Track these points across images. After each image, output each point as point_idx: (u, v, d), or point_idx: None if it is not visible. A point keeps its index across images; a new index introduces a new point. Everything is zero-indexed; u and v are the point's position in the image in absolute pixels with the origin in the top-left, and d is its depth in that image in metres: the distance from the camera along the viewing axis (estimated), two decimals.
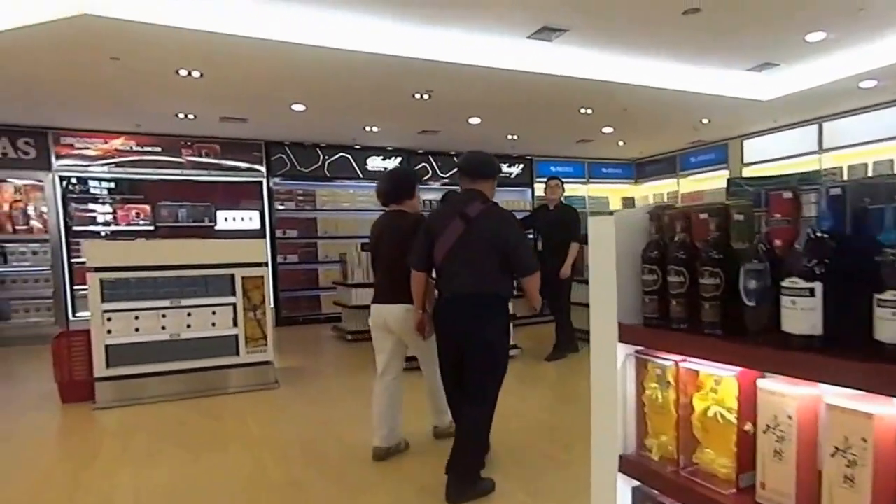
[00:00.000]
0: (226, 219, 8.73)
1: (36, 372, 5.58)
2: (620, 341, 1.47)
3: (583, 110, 7.54)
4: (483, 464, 2.97)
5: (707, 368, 1.29)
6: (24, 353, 6.84)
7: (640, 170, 11.88)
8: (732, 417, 1.22)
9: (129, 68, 5.31)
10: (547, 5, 4.73)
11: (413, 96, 6.61)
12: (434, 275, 3.04)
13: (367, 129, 8.30)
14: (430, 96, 6.61)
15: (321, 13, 4.74)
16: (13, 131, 7.49)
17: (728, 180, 9.14)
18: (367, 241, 8.35)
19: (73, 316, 7.75)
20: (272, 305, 6.79)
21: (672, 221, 1.40)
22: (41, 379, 5.03)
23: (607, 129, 8.87)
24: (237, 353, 4.87)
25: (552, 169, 10.78)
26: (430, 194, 10.04)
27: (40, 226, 7.78)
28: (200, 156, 8.51)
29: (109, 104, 6.67)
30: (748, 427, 1.19)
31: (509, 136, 9.18)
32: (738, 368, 1.20)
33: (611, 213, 1.66)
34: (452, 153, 10.17)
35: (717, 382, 1.26)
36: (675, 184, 11.06)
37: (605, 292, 1.49)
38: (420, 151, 9.97)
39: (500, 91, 6.46)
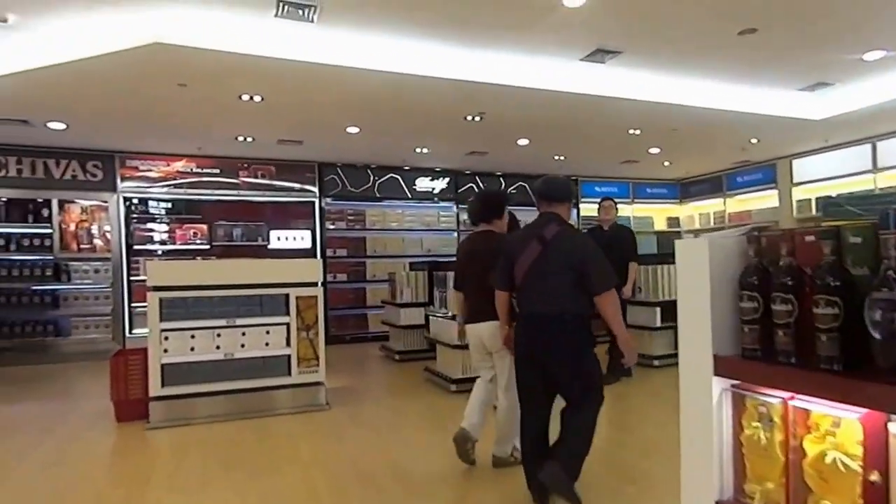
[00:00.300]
0: (279, 238, 8.90)
1: (93, 389, 5.74)
2: (716, 374, 1.35)
3: (631, 131, 7.49)
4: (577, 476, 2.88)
5: (822, 408, 1.16)
6: (82, 369, 7.07)
7: (684, 190, 11.68)
8: (856, 465, 1.08)
9: (195, 94, 5.52)
10: (603, 28, 4.71)
11: (465, 118, 6.65)
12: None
13: (418, 150, 8.38)
14: (481, 118, 6.63)
15: (379, 39, 4.83)
16: (83, 155, 7.87)
17: (824, 200, 8.77)
18: (415, 260, 8.67)
19: (130, 333, 7.99)
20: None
21: (774, 244, 1.29)
22: (97, 396, 5.15)
23: (654, 150, 8.77)
24: (289, 374, 4.87)
25: (597, 189, 10.67)
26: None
27: (103, 244, 8.10)
28: (256, 177, 8.74)
29: (174, 129, 6.93)
30: (876, 477, 1.06)
31: (556, 157, 9.16)
32: (863, 410, 1.07)
33: (696, 234, 1.56)
34: (499, 174, 10.23)
35: (836, 424, 1.13)
36: (721, 204, 10.81)
37: (698, 320, 1.38)
38: (467, 172, 10.00)
39: (550, 112, 6.45)
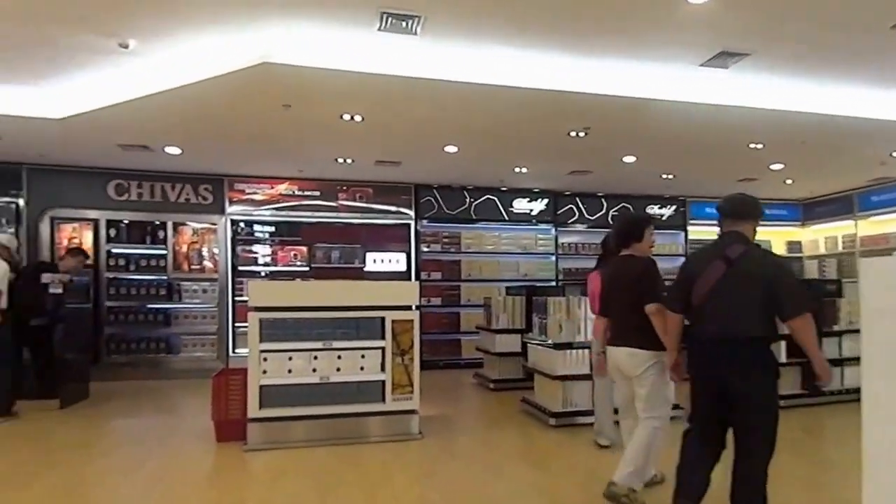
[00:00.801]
0: (374, 261, 8.96)
1: (197, 406, 5.92)
2: None
3: (752, 145, 6.85)
4: None
5: None
6: (188, 386, 7.37)
7: (808, 211, 10.66)
8: None
9: (298, 115, 5.63)
10: (729, 28, 4.28)
11: (568, 134, 6.35)
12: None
13: (517, 170, 8.15)
14: (586, 133, 6.30)
15: (481, 49, 4.65)
16: (196, 178, 8.36)
17: None
18: (512, 284, 8.39)
19: (233, 352, 8.27)
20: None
21: None
22: (201, 413, 5.26)
23: (776, 166, 8.01)
24: (383, 401, 4.75)
25: (707, 211, 9.92)
26: (572, 237, 9.66)
27: (211, 265, 8.50)
28: (354, 199, 8.89)
29: (278, 151, 7.17)
30: None
31: (664, 176, 8.61)
32: None
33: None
34: (601, 194, 9.81)
35: None
36: (852, 226, 9.70)
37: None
38: (567, 193, 9.66)
39: (661, 125, 6.02)
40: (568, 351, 5.09)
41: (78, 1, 3.85)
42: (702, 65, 4.90)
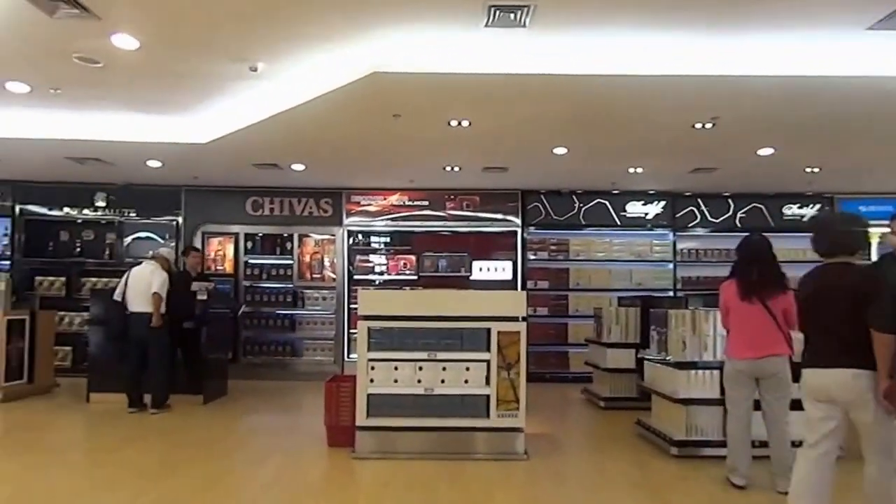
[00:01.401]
0: (480, 269, 8.75)
1: (313, 408, 5.98)
2: None
3: None
4: None
5: None
6: (309, 387, 7.52)
7: None
8: None
9: (407, 124, 5.54)
10: None
11: (693, 126, 5.55)
12: None
13: (631, 170, 7.47)
14: (713, 124, 5.47)
15: (595, 36, 4.11)
16: (317, 193, 8.67)
17: None
18: (625, 294, 7.81)
19: (348, 357, 8.43)
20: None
21: None
22: (316, 415, 5.29)
23: None
24: (487, 416, 4.49)
25: (861, 209, 8.51)
26: (693, 242, 8.83)
27: (331, 275, 8.77)
28: (461, 208, 8.76)
29: (390, 162, 7.19)
30: None
31: (808, 170, 7.38)
32: None
33: None
34: (726, 194, 8.77)
35: None
36: None
37: None
38: (687, 194, 8.77)
39: (809, 107, 5.02)
40: (693, 371, 4.50)
41: (216, 32, 4.00)
42: (870, 28, 3.92)
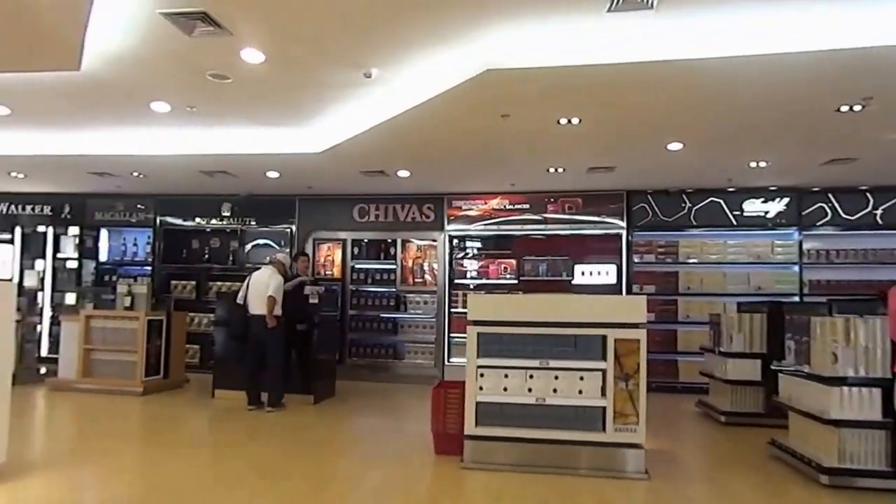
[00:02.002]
0: (582, 273, 8.23)
1: (417, 411, 5.86)
2: None
3: None
4: None
5: None
6: (411, 390, 7.44)
7: None
8: None
9: (515, 124, 5.23)
10: None
11: (838, 110, 4.68)
12: None
13: (753, 164, 6.62)
14: (863, 106, 4.57)
15: (728, 14, 3.59)
16: (420, 199, 8.58)
17: None
18: (742, 300, 6.98)
19: (448, 361, 8.23)
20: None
21: None
22: (420, 419, 5.13)
23: None
24: (602, 430, 4.05)
25: None
26: (821, 242, 7.76)
27: (431, 279, 8.62)
28: (563, 210, 8.29)
29: (494, 166, 6.92)
30: None
31: None
32: None
33: None
34: (864, 188, 7.58)
35: None
36: None
37: None
38: (814, 189, 7.71)
39: None
40: (846, 388, 3.81)
41: (334, 40, 3.94)
42: None
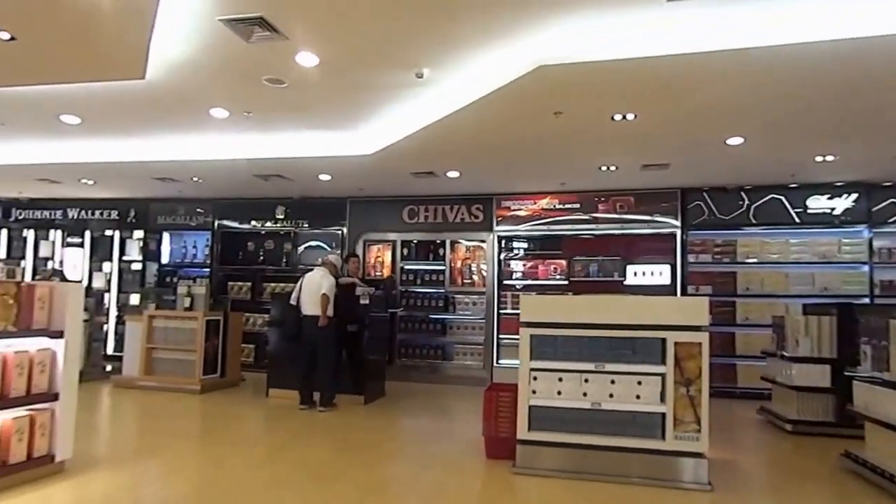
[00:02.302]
0: (635, 273, 7.95)
1: (467, 413, 5.81)
2: None
3: None
4: None
5: None
6: (459, 392, 7.36)
7: None
8: None
9: (568, 122, 5.08)
10: None
11: None
12: None
13: (819, 159, 6.22)
14: None
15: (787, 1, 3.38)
16: (469, 199, 8.50)
17: None
18: (807, 301, 6.56)
19: (497, 363, 8.10)
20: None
21: None
22: (471, 422, 5.07)
23: None
24: (662, 437, 3.85)
25: None
26: (892, 240, 7.21)
27: (480, 280, 8.53)
28: (614, 209, 8.04)
29: (544, 165, 6.77)
30: None
31: None
32: None
33: None
34: None
35: None
36: None
37: None
38: (886, 184, 7.19)
39: None
40: None
41: (386, 41, 3.92)
42: None
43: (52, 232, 9.96)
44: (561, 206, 8.19)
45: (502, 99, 4.51)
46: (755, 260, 7.65)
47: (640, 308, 4.08)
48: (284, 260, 9.26)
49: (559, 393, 4.04)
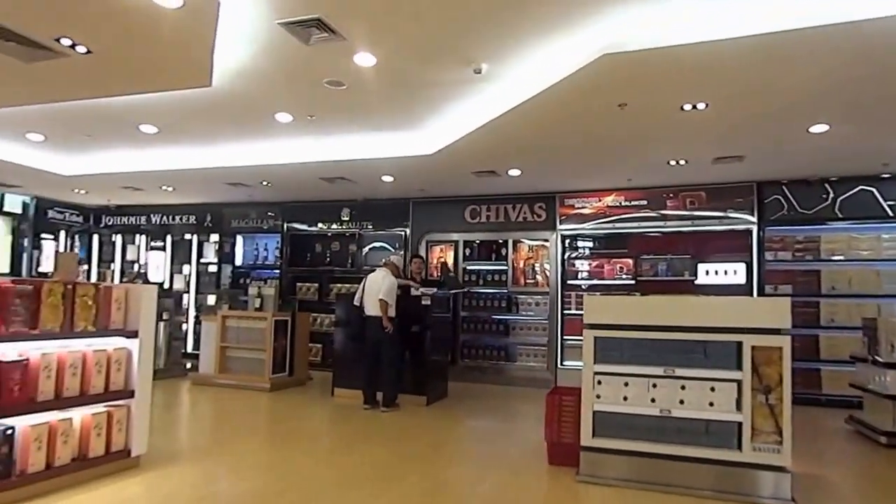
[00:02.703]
0: (706, 272, 7.51)
1: (530, 416, 5.68)
2: None
3: None
4: None
5: None
6: (522, 394, 7.23)
7: None
8: None
9: (634, 113, 4.84)
10: None
11: None
12: None
13: None
14: None
15: None
16: (531, 198, 8.34)
17: None
18: None
19: (561, 364, 7.90)
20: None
21: None
22: (533, 425, 4.94)
23: None
24: (738, 448, 3.58)
25: None
26: None
27: (543, 280, 8.35)
28: (684, 205, 7.64)
29: (609, 161, 6.54)
30: None
31: None
32: None
33: None
34: None
35: None
36: None
37: None
38: None
39: None
40: None
41: (443, 38, 3.88)
42: None
43: (137, 236, 10.63)
44: (627, 203, 7.87)
45: (564, 92, 4.35)
46: (841, 257, 7.06)
47: (713, 309, 3.82)
48: (350, 261, 9.42)
49: (625, 398, 3.85)
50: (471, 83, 4.64)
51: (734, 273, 7.41)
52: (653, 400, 3.78)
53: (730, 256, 7.45)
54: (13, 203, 9.77)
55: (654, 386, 3.79)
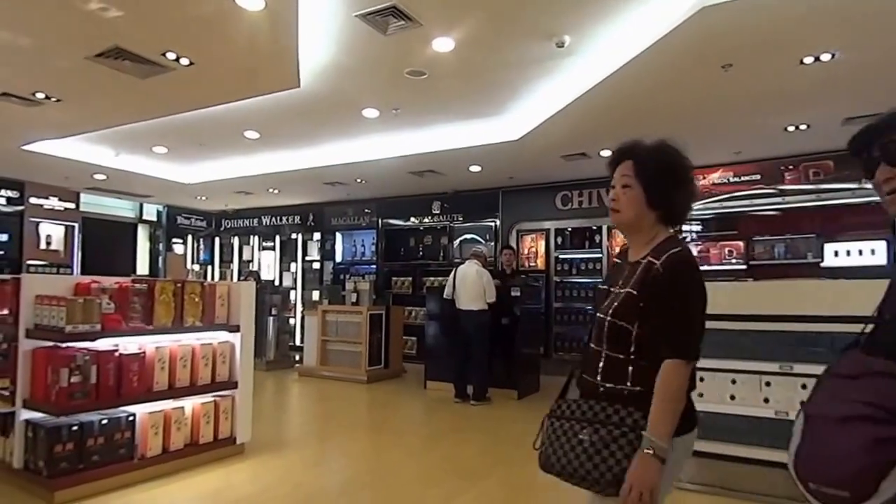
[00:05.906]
0: (836, 253, 6.55)
1: None
2: None
3: None
4: None
5: None
6: None
7: None
8: None
9: (741, 75, 4.25)
10: None
11: None
12: None
13: None
14: None
15: None
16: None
17: None
18: None
19: None
20: None
21: None
22: None
23: None
24: None
25: None
26: None
27: None
28: (806, 177, 6.72)
29: (713, 133, 5.89)
30: None
31: None
32: None
33: None
34: None
35: None
36: None
37: None
38: None
39: None
40: None
41: (521, 12, 3.66)
42: None
43: (251, 237, 11.42)
44: (736, 180, 7.09)
45: (658, 56, 3.89)
46: None
47: (842, 294, 3.23)
48: (441, 254, 9.42)
49: (732, 398, 3.41)
50: (553, 59, 4.34)
51: (871, 253, 6.39)
52: (766, 400, 3.31)
53: (865, 234, 6.42)
54: (150, 212, 10.92)
55: (768, 384, 3.31)
